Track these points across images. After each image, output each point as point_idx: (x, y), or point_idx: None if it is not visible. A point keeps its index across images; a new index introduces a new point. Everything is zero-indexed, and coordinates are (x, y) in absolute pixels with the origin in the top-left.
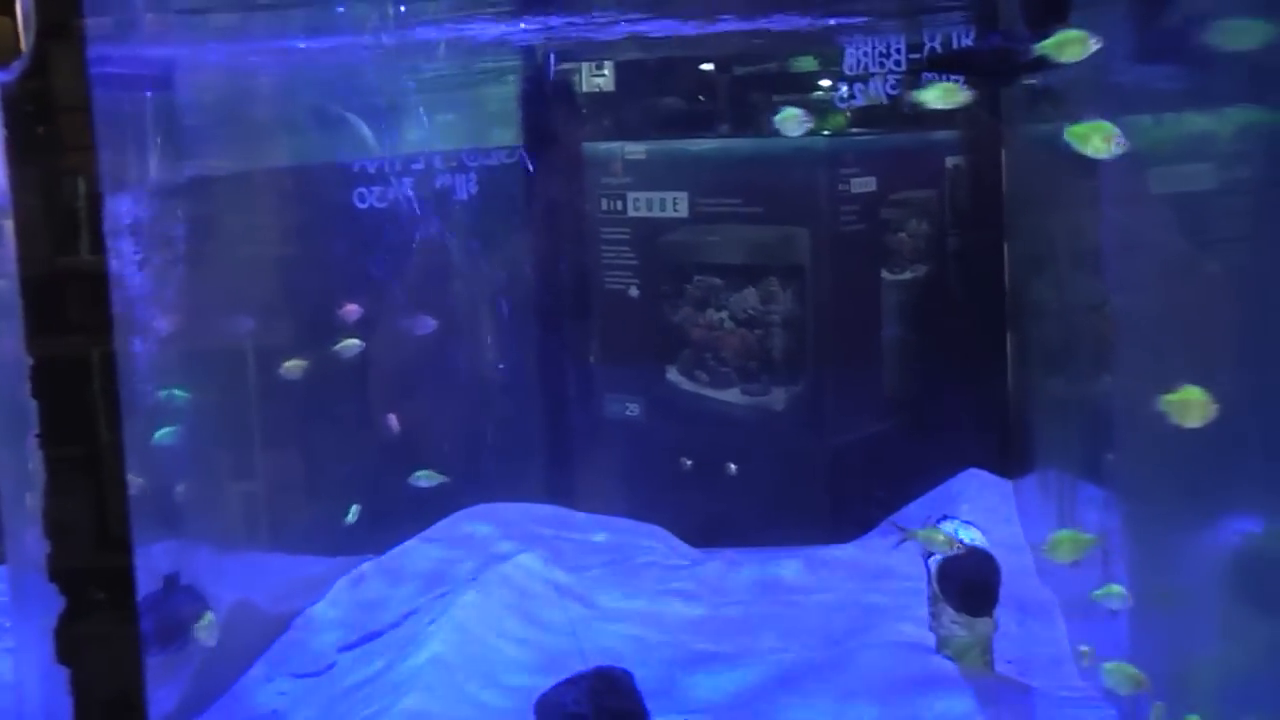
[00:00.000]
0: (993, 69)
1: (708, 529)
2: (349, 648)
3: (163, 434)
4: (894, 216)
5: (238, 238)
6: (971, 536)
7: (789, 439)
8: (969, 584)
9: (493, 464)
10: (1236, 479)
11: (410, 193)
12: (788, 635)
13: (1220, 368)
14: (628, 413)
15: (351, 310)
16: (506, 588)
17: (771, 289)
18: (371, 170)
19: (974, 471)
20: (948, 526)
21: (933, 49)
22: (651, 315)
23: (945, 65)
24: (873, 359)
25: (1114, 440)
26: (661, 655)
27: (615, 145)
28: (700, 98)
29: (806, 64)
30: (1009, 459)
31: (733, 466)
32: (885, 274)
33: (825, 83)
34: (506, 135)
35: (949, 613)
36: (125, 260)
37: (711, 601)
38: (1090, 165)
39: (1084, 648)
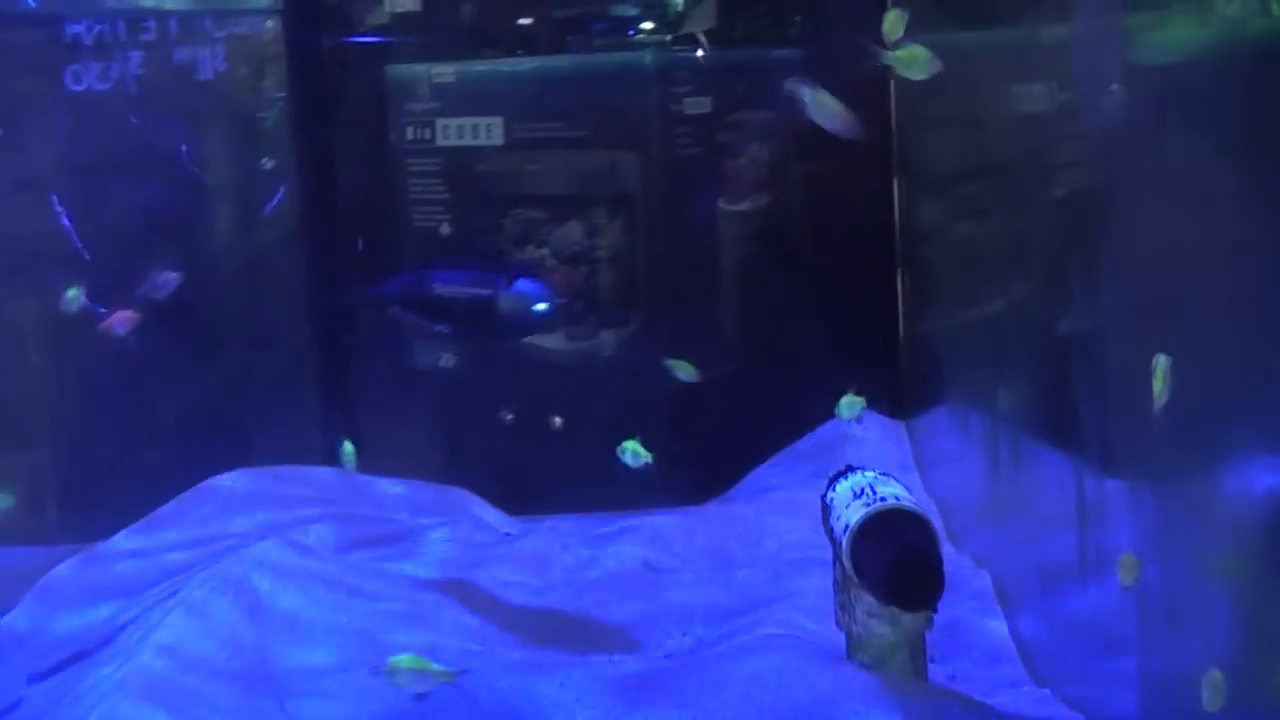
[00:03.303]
0: None
1: (529, 493)
2: (40, 677)
3: None
4: (730, 141)
5: None
6: (896, 494)
7: (622, 386)
8: (903, 564)
9: (260, 422)
10: None
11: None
12: (632, 631)
13: None
14: (441, 362)
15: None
16: (252, 582)
17: (598, 221)
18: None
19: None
20: (858, 479)
21: None
22: (466, 254)
23: None
24: (713, 296)
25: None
26: (465, 663)
27: (421, 68)
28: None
29: None
30: (900, 398)
31: (558, 419)
32: (723, 203)
33: None
34: None
35: (866, 602)
36: None
37: (532, 587)
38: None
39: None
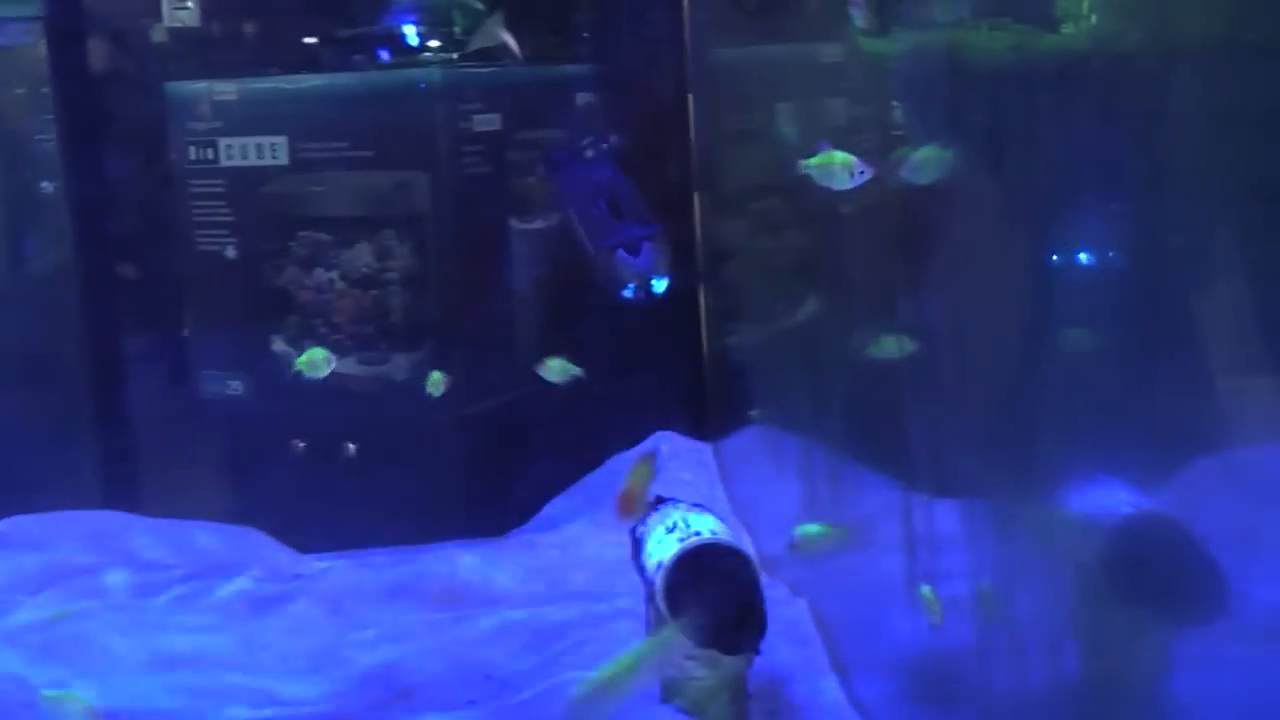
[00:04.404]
0: None
1: (321, 528)
2: None
3: None
4: (520, 159)
5: None
6: (711, 528)
7: (415, 412)
8: (723, 605)
9: (35, 463)
10: None
11: None
12: (432, 677)
13: None
14: (229, 391)
15: None
16: (30, 635)
17: (388, 243)
18: None
19: (664, 434)
20: (670, 512)
21: None
22: (252, 278)
23: None
24: (509, 317)
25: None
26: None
27: (202, 85)
28: (299, 29)
29: None
30: (706, 419)
31: (351, 447)
32: (514, 222)
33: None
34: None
35: (683, 645)
36: None
37: (326, 634)
38: None
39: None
